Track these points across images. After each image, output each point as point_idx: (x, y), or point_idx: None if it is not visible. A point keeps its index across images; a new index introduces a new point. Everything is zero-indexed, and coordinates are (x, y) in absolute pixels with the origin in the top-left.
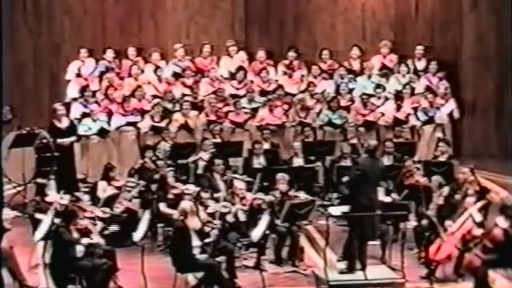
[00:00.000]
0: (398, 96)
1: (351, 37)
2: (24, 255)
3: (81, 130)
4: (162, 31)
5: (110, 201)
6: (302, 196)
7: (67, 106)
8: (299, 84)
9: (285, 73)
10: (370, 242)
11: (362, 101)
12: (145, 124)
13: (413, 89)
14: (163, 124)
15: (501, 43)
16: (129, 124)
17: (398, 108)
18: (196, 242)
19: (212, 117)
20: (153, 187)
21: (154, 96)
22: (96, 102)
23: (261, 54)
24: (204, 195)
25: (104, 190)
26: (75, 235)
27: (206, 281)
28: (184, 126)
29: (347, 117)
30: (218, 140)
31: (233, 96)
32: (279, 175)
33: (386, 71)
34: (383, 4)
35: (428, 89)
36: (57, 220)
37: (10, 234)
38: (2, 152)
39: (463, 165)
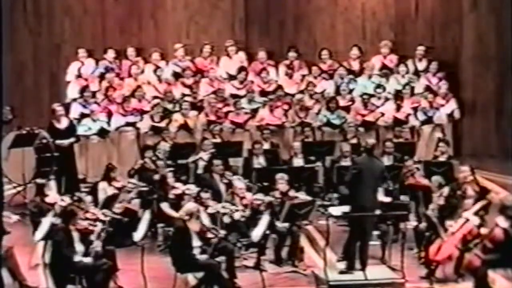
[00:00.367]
0: (398, 96)
1: (351, 37)
2: (24, 255)
3: (81, 130)
4: (162, 31)
5: (110, 202)
6: (302, 196)
7: (67, 106)
8: (299, 85)
9: (286, 74)
10: (371, 242)
11: (362, 101)
12: (145, 124)
13: (412, 89)
14: (163, 124)
15: (501, 43)
16: (128, 124)
17: (398, 108)
18: (196, 242)
19: (212, 117)
20: (153, 187)
21: (154, 96)
22: (96, 102)
23: (262, 54)
24: (204, 195)
25: (105, 190)
26: (75, 235)
27: (206, 281)
28: (184, 126)
29: (346, 117)
30: (218, 140)
31: (233, 96)
32: (279, 175)
33: (386, 71)
34: (383, 4)
35: (428, 89)
36: (57, 221)
37: (10, 234)
38: (2, 152)
39: (463, 165)
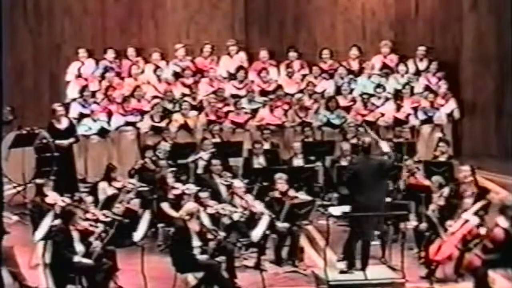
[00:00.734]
0: (398, 96)
1: (351, 37)
2: (24, 255)
3: (81, 130)
4: (162, 31)
5: (110, 202)
6: (302, 196)
7: (67, 106)
8: (299, 84)
9: (287, 74)
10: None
11: (362, 101)
12: (145, 124)
13: (412, 89)
14: (163, 124)
15: (501, 43)
16: (128, 124)
17: (398, 108)
18: (196, 242)
19: (212, 117)
20: (153, 187)
21: (154, 96)
22: (96, 102)
23: (263, 54)
24: (203, 194)
25: (105, 190)
26: (75, 236)
27: (206, 281)
28: (184, 126)
29: (346, 117)
30: (218, 140)
31: (234, 96)
32: (277, 175)
33: (387, 71)
34: (383, 4)
35: (428, 89)
36: (56, 221)
37: (10, 234)
38: (2, 152)
39: (463, 165)
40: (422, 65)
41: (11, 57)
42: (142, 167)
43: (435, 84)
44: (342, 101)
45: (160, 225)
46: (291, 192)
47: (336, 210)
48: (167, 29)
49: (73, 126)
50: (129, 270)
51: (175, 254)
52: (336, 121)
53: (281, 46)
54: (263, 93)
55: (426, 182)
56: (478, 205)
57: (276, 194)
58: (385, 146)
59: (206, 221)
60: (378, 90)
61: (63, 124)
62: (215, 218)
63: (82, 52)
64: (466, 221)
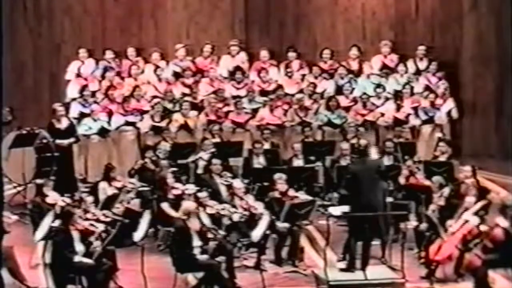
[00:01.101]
0: (398, 96)
1: (351, 37)
2: (24, 255)
3: (82, 129)
4: (162, 31)
5: (110, 202)
6: (301, 196)
7: (67, 106)
8: (299, 84)
9: (286, 74)
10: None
11: (362, 101)
12: (145, 124)
13: (412, 88)
14: (163, 124)
15: (501, 43)
16: (129, 124)
17: (398, 108)
18: (196, 242)
19: (212, 117)
20: (154, 187)
21: (154, 96)
22: (96, 102)
23: (264, 53)
24: (201, 194)
25: (105, 190)
26: (75, 235)
27: (206, 281)
28: (184, 126)
29: (346, 117)
30: (218, 140)
31: (234, 96)
32: (277, 175)
33: (387, 71)
34: (383, 4)
35: (427, 88)
36: (56, 222)
37: (10, 234)
38: (2, 152)
39: (463, 165)
40: (422, 65)
41: (11, 57)
42: (142, 167)
43: (435, 84)
44: (343, 101)
45: (160, 225)
46: (291, 192)
47: (336, 210)
48: (167, 29)
49: (73, 126)
50: (129, 270)
51: (175, 254)
52: (337, 121)
53: (281, 46)
54: (263, 93)
55: (426, 182)
56: (478, 205)
57: (276, 194)
58: (373, 153)
59: (206, 221)
60: (378, 90)
61: (63, 124)
62: (215, 218)
63: (82, 52)
64: (466, 221)
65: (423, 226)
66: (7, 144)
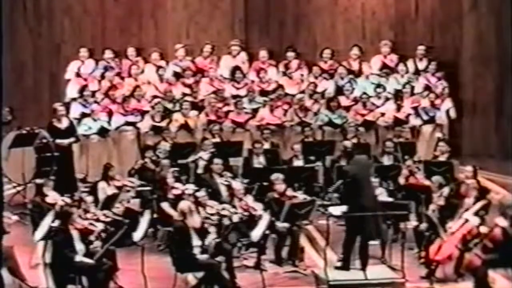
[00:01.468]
0: (398, 96)
1: (351, 37)
2: (24, 255)
3: (82, 129)
4: (162, 31)
5: (110, 201)
6: (300, 196)
7: (67, 106)
8: (300, 85)
9: (284, 74)
10: (370, 242)
11: (362, 101)
12: (145, 124)
13: (412, 88)
14: (163, 124)
15: (501, 43)
16: (129, 124)
17: (398, 108)
18: (196, 242)
19: (212, 117)
20: (153, 187)
21: (154, 96)
22: (96, 102)
23: (263, 53)
24: (199, 194)
25: (104, 190)
26: (75, 235)
27: (206, 281)
28: (184, 126)
29: (347, 117)
30: (218, 140)
31: (234, 96)
32: (274, 176)
33: (387, 71)
34: (383, 4)
35: (427, 88)
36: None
37: (10, 234)
38: (2, 152)
39: (463, 165)
40: (421, 65)
41: (11, 57)
42: (142, 167)
43: (434, 84)
44: (344, 101)
45: (160, 225)
46: (289, 192)
47: (336, 210)
48: (167, 29)
49: (73, 126)
50: (129, 270)
51: (175, 254)
52: (338, 121)
53: (281, 46)
54: (263, 93)
55: (426, 182)
56: (478, 205)
57: (275, 195)
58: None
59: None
60: (378, 90)
61: (64, 123)
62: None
63: (83, 52)
64: (466, 221)
65: (423, 226)
66: (7, 144)
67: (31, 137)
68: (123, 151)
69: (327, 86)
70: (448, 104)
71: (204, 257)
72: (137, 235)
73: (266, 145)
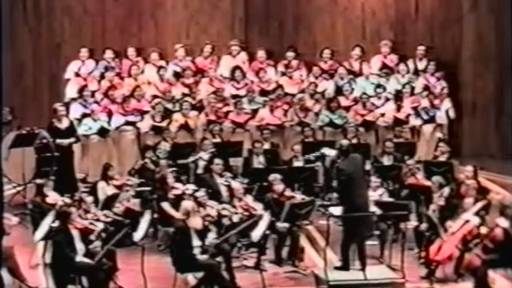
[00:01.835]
0: (398, 96)
1: (351, 37)
2: (24, 255)
3: (82, 129)
4: (162, 31)
5: (110, 201)
6: (298, 196)
7: (66, 106)
8: (300, 85)
9: (284, 74)
10: (370, 242)
11: (362, 101)
12: (145, 124)
13: (412, 88)
14: (163, 124)
15: (501, 43)
16: (129, 124)
17: (398, 108)
18: (196, 242)
19: (212, 117)
20: (154, 187)
21: (154, 96)
22: (96, 102)
23: (261, 53)
24: (198, 194)
25: (104, 190)
26: (75, 234)
27: (206, 281)
28: (184, 126)
29: (347, 117)
30: (218, 140)
31: (234, 96)
32: (272, 177)
33: (387, 71)
34: (383, 4)
35: (426, 88)
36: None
37: (10, 234)
38: (2, 152)
39: (463, 165)
40: (421, 65)
41: (11, 57)
42: (142, 167)
43: (434, 84)
44: (344, 102)
45: (160, 225)
46: (288, 192)
47: (337, 210)
48: (167, 29)
49: (74, 126)
50: (129, 270)
51: (175, 254)
52: (339, 121)
53: (281, 46)
54: (263, 93)
55: (426, 182)
56: (479, 205)
57: (274, 195)
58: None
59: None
60: (378, 90)
61: (64, 124)
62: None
63: (84, 52)
64: (467, 221)
65: (423, 226)
66: (7, 144)
67: (31, 137)
68: (123, 151)
69: (327, 87)
70: (447, 104)
71: (204, 257)
72: (137, 235)
73: (266, 145)
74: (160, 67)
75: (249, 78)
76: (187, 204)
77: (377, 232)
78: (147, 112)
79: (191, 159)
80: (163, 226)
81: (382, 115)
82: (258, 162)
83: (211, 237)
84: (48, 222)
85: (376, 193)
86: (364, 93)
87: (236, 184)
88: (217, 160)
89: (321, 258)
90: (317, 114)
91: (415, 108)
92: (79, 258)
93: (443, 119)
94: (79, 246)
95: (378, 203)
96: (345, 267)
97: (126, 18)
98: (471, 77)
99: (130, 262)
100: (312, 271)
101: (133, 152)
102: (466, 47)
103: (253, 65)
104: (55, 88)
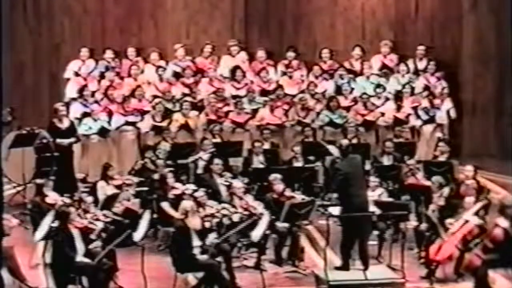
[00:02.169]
0: (398, 96)
1: (351, 37)
2: (24, 255)
3: (82, 129)
4: (162, 31)
5: (110, 201)
6: (298, 196)
7: (66, 106)
8: (300, 85)
9: (284, 73)
10: (369, 242)
11: (362, 101)
12: (146, 124)
13: (412, 88)
14: (164, 124)
15: (501, 43)
16: (129, 124)
17: (398, 108)
18: (196, 242)
19: (212, 117)
20: (154, 186)
21: (155, 96)
22: (96, 102)
23: (261, 53)
24: (198, 194)
25: (104, 190)
26: (76, 234)
27: (206, 281)
28: (184, 126)
29: (347, 117)
30: (218, 140)
31: (234, 96)
32: (272, 177)
33: (386, 71)
34: (383, 4)
35: (427, 88)
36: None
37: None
38: (2, 152)
39: (463, 165)
40: (421, 65)
41: (11, 57)
42: (142, 167)
43: (434, 84)
44: (343, 101)
45: (160, 225)
46: (288, 192)
47: (336, 210)
48: (167, 29)
49: (74, 126)
50: (129, 270)
51: (175, 254)
52: (339, 121)
53: (281, 46)
54: (263, 93)
55: (426, 182)
56: (478, 205)
57: (274, 195)
58: (333, 150)
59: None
60: (378, 90)
61: (65, 123)
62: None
63: (84, 51)
64: (466, 221)
65: (423, 226)
66: (7, 144)
67: (31, 137)
68: (123, 151)
69: (327, 87)
70: (448, 104)
71: (204, 257)
72: (137, 235)
73: (266, 145)
74: (158, 67)
75: (249, 78)
76: (186, 204)
77: (376, 232)
78: (147, 112)
79: (191, 159)
80: (163, 226)
81: (382, 115)
82: (258, 162)
83: (212, 237)
84: (47, 222)
85: (375, 193)
86: (364, 93)
87: (238, 183)
88: (216, 160)
89: (321, 258)
90: (318, 114)
91: (415, 108)
92: (79, 258)
93: (443, 119)
94: (79, 246)
95: (377, 203)
96: (345, 267)
97: (126, 18)
98: (471, 77)
99: (130, 262)
100: (312, 271)
101: (133, 152)
102: (466, 47)
103: (253, 65)
104: (55, 88)
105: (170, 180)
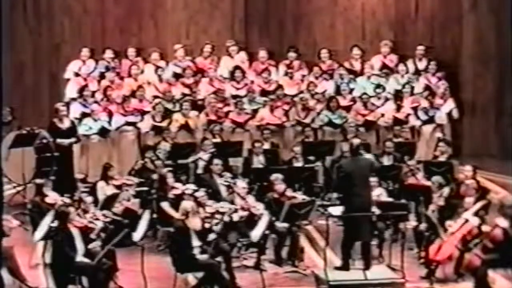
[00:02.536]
0: (398, 96)
1: (351, 37)
2: (24, 255)
3: (82, 129)
4: (162, 31)
5: (109, 201)
6: (299, 196)
7: (66, 106)
8: (300, 85)
9: (286, 74)
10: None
11: (362, 101)
12: (146, 124)
13: (412, 89)
14: (164, 124)
15: (501, 43)
16: (129, 124)
17: (398, 108)
18: (196, 242)
19: (212, 117)
20: (153, 187)
21: (155, 96)
22: (96, 102)
23: (262, 54)
24: (198, 194)
25: (104, 190)
26: (76, 233)
27: (206, 281)
28: (185, 126)
29: (347, 117)
30: (218, 140)
31: (234, 96)
32: (273, 176)
33: (386, 71)
34: (383, 4)
35: (427, 88)
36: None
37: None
38: (2, 152)
39: (463, 165)
40: (421, 65)
41: (11, 57)
42: (142, 167)
43: (435, 84)
44: (342, 101)
45: (160, 225)
46: (289, 192)
47: (336, 210)
48: (167, 29)
49: (75, 126)
50: (129, 270)
51: (175, 254)
52: (338, 121)
53: (281, 46)
54: (264, 93)
55: (426, 182)
56: (478, 205)
57: (274, 195)
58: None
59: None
60: (378, 90)
61: (65, 123)
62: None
63: (85, 51)
64: (466, 221)
65: (423, 226)
66: (7, 144)
67: (31, 137)
68: (123, 151)
69: (327, 87)
70: (450, 104)
71: (204, 257)
72: (137, 235)
73: (266, 145)
74: (157, 67)
75: (249, 78)
76: (186, 204)
77: (375, 232)
78: (147, 112)
79: (191, 159)
80: (163, 226)
81: (383, 115)
82: (258, 162)
83: (212, 237)
84: (47, 222)
85: (374, 193)
86: (365, 93)
87: (240, 183)
88: (216, 160)
89: (321, 258)
90: (319, 114)
91: (415, 108)
92: (79, 258)
93: (443, 119)
94: (79, 245)
95: (377, 203)
96: (345, 267)
97: (126, 18)
98: (471, 77)
99: (130, 262)
100: (312, 271)
101: (133, 152)
102: (466, 47)
103: (254, 65)
104: (55, 88)
105: (170, 180)
